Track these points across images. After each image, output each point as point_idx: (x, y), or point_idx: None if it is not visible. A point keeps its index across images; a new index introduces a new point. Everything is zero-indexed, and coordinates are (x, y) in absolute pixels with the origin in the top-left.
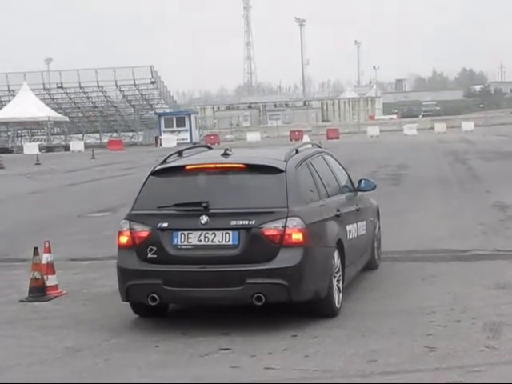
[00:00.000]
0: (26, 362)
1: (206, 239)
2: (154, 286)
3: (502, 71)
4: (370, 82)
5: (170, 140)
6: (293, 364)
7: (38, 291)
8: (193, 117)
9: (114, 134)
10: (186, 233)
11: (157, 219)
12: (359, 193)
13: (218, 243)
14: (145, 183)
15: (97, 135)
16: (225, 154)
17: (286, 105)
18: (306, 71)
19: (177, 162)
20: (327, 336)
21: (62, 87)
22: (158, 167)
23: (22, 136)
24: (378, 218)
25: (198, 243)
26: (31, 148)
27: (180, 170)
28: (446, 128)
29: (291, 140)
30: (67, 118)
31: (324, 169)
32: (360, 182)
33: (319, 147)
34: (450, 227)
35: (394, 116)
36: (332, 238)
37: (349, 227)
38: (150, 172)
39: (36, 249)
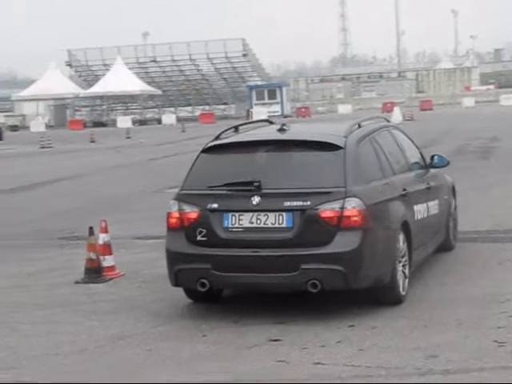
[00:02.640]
0: (65, 350)
1: (258, 221)
2: (203, 270)
3: None
4: (467, 52)
5: (260, 113)
6: (345, 359)
7: (94, 272)
8: (284, 89)
9: (206, 107)
10: (236, 214)
11: (207, 200)
12: (432, 170)
13: (270, 225)
14: (195, 161)
15: (189, 108)
16: (281, 130)
17: (380, 76)
18: (401, 42)
19: (230, 138)
20: (387, 327)
21: (155, 61)
22: (210, 144)
23: (116, 110)
24: (454, 196)
25: (250, 225)
26: (124, 121)
27: (232, 146)
28: None
29: (383, 112)
30: (160, 92)
31: (390, 144)
32: (432, 158)
33: (387, 121)
34: None
35: (491, 86)
36: (396, 220)
37: (417, 207)
38: (201, 149)
39: (91, 228)
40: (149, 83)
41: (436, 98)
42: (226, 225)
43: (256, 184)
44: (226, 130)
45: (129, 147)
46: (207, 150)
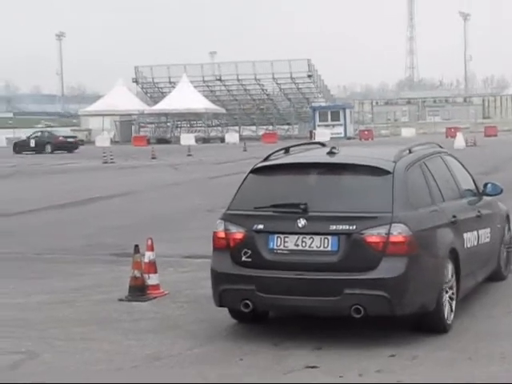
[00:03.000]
0: (99, 368)
1: (304, 244)
2: (247, 291)
3: None
4: None
5: (323, 134)
6: None
7: (138, 290)
8: (348, 111)
9: (270, 127)
10: (282, 236)
11: (253, 220)
12: (485, 198)
13: (315, 249)
14: (244, 181)
15: (253, 127)
16: (330, 153)
17: (446, 101)
18: (469, 67)
19: (279, 159)
20: (429, 358)
21: (220, 79)
22: (259, 165)
23: (181, 127)
24: (509, 226)
25: (295, 248)
26: (187, 139)
27: (280, 168)
28: None
29: (447, 137)
30: (224, 110)
31: (441, 170)
32: (485, 185)
33: (440, 147)
34: None
35: None
36: (444, 247)
37: (467, 235)
38: (250, 170)
39: (137, 246)
40: (213, 102)
41: (502, 124)
42: (271, 246)
43: (302, 206)
44: (277, 151)
45: (188, 164)
46: (256, 171)
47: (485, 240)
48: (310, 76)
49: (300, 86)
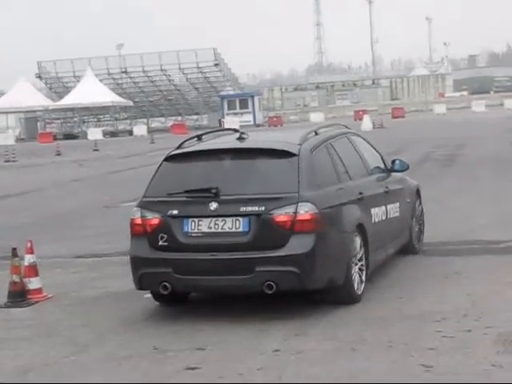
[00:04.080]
0: None
1: (216, 226)
2: (165, 274)
3: None
4: (442, 59)
5: (232, 122)
6: None
7: (18, 296)
8: (256, 98)
9: (179, 118)
10: (196, 220)
11: (167, 206)
12: (394, 174)
13: (228, 230)
14: (157, 169)
15: (162, 119)
16: (240, 138)
17: (355, 84)
18: (376, 49)
19: (191, 147)
20: (313, 351)
21: (126, 72)
22: (172, 153)
23: (88, 122)
24: (420, 200)
25: (208, 230)
26: (95, 133)
27: (192, 155)
28: None
29: (355, 120)
30: (131, 103)
31: (348, 150)
32: (393, 162)
33: (347, 128)
34: (496, 214)
35: (465, 93)
36: (351, 223)
37: (374, 210)
38: (163, 158)
39: (15, 250)
40: (120, 94)
41: (409, 105)
42: (185, 230)
43: (214, 191)
44: (190, 139)
45: (95, 160)
46: (169, 159)
47: (394, 214)
48: (216, 65)
49: (207, 76)
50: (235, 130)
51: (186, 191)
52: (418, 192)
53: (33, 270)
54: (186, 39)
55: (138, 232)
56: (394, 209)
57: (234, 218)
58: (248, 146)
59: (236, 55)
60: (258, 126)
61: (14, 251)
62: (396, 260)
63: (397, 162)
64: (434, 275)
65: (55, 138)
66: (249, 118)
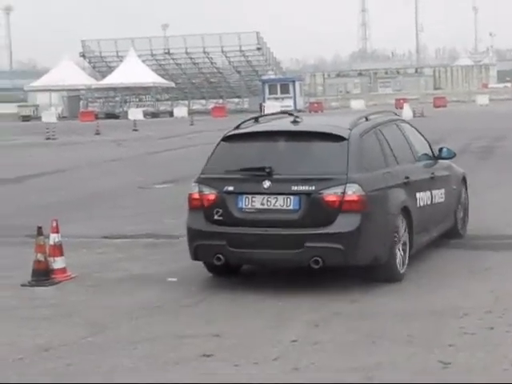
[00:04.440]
0: None
1: (269, 203)
2: (219, 246)
3: None
4: (487, 49)
5: (273, 107)
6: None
7: (42, 275)
8: (297, 83)
9: (220, 101)
10: (249, 196)
11: (223, 183)
12: (441, 161)
13: (279, 207)
14: (215, 149)
15: (203, 101)
16: (294, 122)
17: (398, 72)
18: (421, 38)
19: (247, 128)
20: (332, 342)
21: (169, 53)
22: (229, 133)
23: (130, 102)
24: (466, 187)
25: (261, 207)
26: (136, 113)
27: (248, 136)
28: None
29: (396, 108)
30: (173, 84)
31: (396, 137)
32: (441, 150)
33: (396, 115)
34: None
35: (509, 84)
36: (396, 205)
37: (419, 194)
38: (221, 138)
39: (40, 228)
40: (162, 76)
41: (451, 94)
42: (240, 206)
43: (267, 170)
44: (247, 121)
45: (134, 140)
46: (226, 139)
47: (439, 200)
48: (259, 49)
49: (249, 59)
50: (290, 114)
51: (242, 169)
52: (464, 179)
53: (57, 249)
54: (230, 23)
55: (195, 206)
56: (439, 194)
57: (286, 196)
58: (301, 129)
59: (280, 40)
60: (299, 111)
61: (40, 230)
62: (430, 252)
63: (444, 149)
64: (460, 270)
65: (96, 117)
66: (289, 102)
